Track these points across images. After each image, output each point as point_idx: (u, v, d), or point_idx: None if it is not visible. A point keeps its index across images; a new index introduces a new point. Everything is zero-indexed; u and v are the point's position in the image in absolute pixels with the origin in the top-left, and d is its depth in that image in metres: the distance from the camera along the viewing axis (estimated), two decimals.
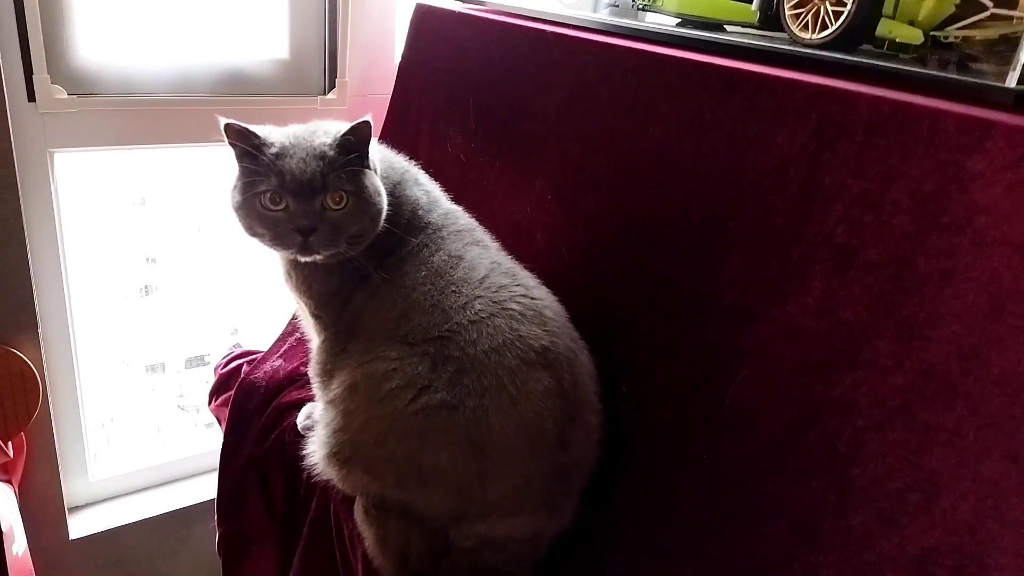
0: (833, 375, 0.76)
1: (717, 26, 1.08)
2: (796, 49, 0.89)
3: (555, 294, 0.97)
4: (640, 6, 1.13)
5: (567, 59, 1.08)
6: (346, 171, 0.86)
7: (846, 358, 0.74)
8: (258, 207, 0.86)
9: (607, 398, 0.95)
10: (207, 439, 1.78)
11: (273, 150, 0.86)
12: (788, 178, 0.80)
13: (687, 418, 0.88)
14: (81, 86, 1.28)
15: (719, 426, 0.84)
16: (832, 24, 0.87)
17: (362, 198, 0.87)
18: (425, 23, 1.40)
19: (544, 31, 1.12)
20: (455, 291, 0.88)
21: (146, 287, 1.75)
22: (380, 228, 0.90)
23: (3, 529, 1.17)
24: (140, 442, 1.78)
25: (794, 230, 0.79)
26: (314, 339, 1.04)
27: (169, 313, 1.78)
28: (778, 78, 0.82)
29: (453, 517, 0.87)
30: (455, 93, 1.31)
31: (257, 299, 1.82)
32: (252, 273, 1.78)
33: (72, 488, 1.54)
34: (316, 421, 1.08)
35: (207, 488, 1.65)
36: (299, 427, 1.15)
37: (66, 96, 1.26)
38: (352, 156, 0.87)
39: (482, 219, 1.05)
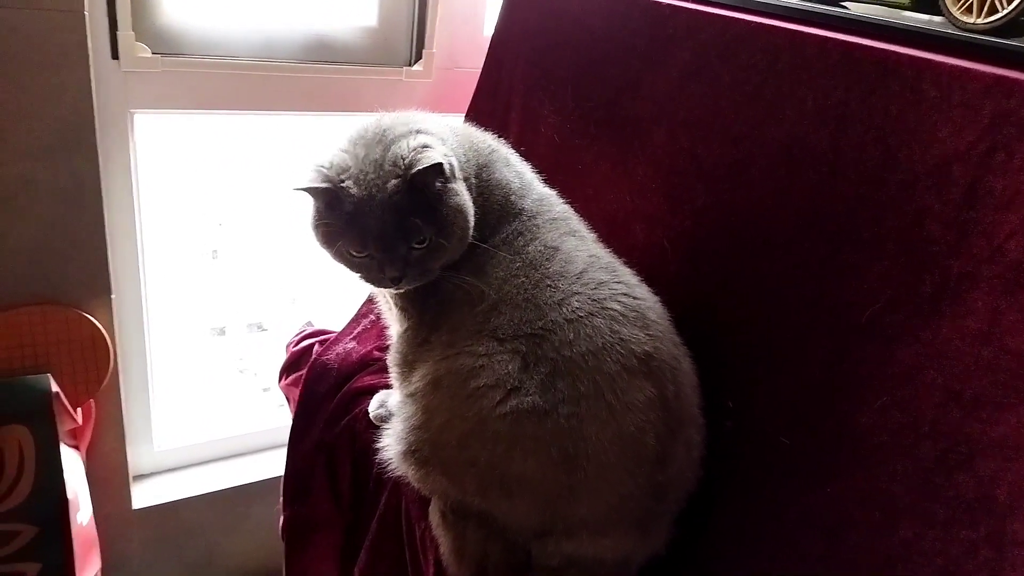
0: (994, 412, 0.65)
1: (836, 2, 0.97)
2: (957, 33, 0.77)
3: (654, 293, 0.88)
4: None
5: (684, 34, 0.98)
6: (424, 209, 0.79)
7: (1013, 393, 0.64)
8: (344, 253, 0.83)
9: (709, 411, 0.86)
10: (273, 414, 1.75)
11: (348, 207, 0.79)
12: (951, 181, 0.69)
13: (807, 443, 0.79)
14: (166, 45, 1.24)
15: (847, 456, 0.75)
16: (1003, 7, 0.75)
17: (446, 228, 0.81)
18: None
19: (659, 2, 1.02)
20: (551, 285, 0.80)
21: (214, 251, 1.75)
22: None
23: (68, 497, 1.15)
24: (203, 409, 1.77)
25: (955, 241, 0.68)
26: (394, 327, 0.98)
27: (233, 278, 1.77)
28: (944, 65, 0.71)
29: (537, 532, 0.80)
30: (552, 69, 1.22)
31: (317, 270, 1.78)
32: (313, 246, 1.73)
33: (137, 457, 1.52)
34: (390, 411, 1.02)
35: (271, 465, 1.63)
36: (371, 415, 1.09)
37: (150, 55, 1.21)
38: (428, 186, 0.80)
39: (574, 206, 0.97)
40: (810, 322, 0.80)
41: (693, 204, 0.97)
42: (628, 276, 0.86)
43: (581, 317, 0.77)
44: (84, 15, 1.07)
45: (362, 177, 0.79)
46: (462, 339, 0.81)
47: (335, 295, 1.70)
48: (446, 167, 0.80)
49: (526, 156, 1.01)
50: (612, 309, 0.77)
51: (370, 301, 1.32)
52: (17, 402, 1.14)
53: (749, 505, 0.84)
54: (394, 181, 0.78)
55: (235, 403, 1.82)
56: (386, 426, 0.93)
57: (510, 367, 0.76)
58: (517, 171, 0.95)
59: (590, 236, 0.92)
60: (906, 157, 0.72)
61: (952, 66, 0.70)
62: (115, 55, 1.19)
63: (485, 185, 0.89)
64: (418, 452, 0.81)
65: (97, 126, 1.15)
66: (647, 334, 0.77)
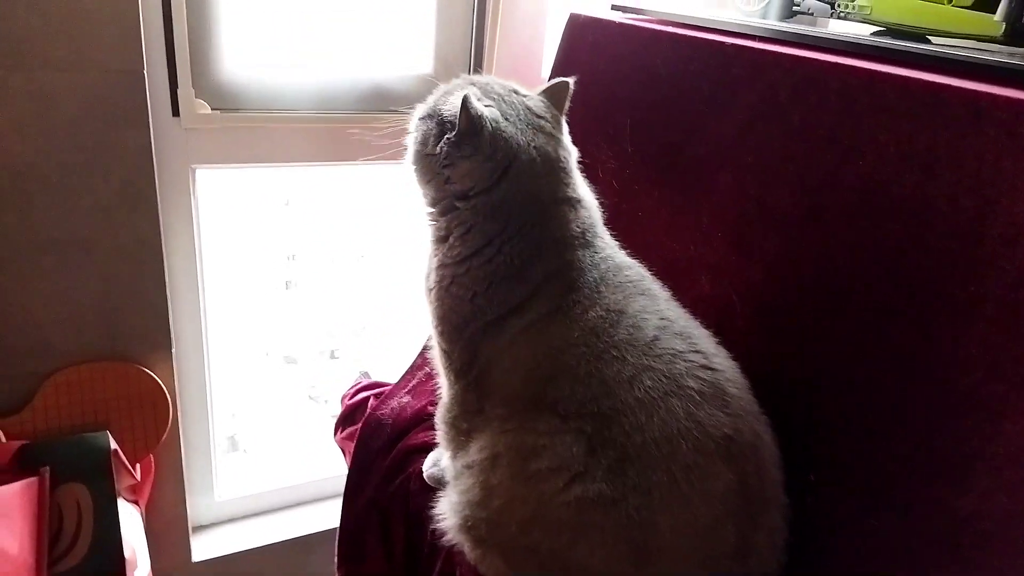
0: None
1: (919, 37, 0.90)
2: None
3: (729, 345, 0.82)
4: (842, 13, 0.95)
5: (750, 75, 0.93)
6: None
7: None
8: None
9: (789, 486, 0.79)
10: (333, 461, 1.73)
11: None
12: None
13: (899, 527, 0.71)
14: (224, 101, 1.25)
15: (946, 546, 0.66)
16: None
17: None
18: (579, 35, 1.28)
19: (723, 43, 0.97)
20: (617, 357, 0.74)
21: (287, 282, 1.79)
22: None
23: (126, 555, 1.14)
24: (269, 450, 1.78)
25: None
26: (444, 387, 0.94)
27: (304, 308, 1.81)
28: None
29: None
30: (611, 113, 1.18)
31: (386, 299, 1.81)
32: (382, 273, 1.78)
33: (197, 508, 1.52)
34: (444, 471, 0.98)
35: (330, 516, 1.60)
36: (425, 476, 1.05)
37: (209, 111, 1.23)
38: None
39: (634, 255, 0.91)
40: (900, 390, 0.72)
41: (763, 254, 0.90)
42: (705, 341, 0.79)
43: (655, 398, 0.70)
44: (144, 75, 1.09)
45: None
46: (519, 412, 0.76)
47: (402, 324, 1.71)
48: None
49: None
50: (689, 387, 0.71)
51: (424, 352, 1.29)
52: (76, 461, 1.14)
53: None
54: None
55: (303, 438, 1.82)
56: (441, 493, 0.88)
57: (575, 449, 0.70)
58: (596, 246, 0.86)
59: (662, 294, 0.84)
60: (1006, 209, 0.65)
61: None
62: (176, 112, 1.20)
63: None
64: (475, 529, 0.77)
65: (158, 183, 1.17)
66: (726, 413, 0.71)
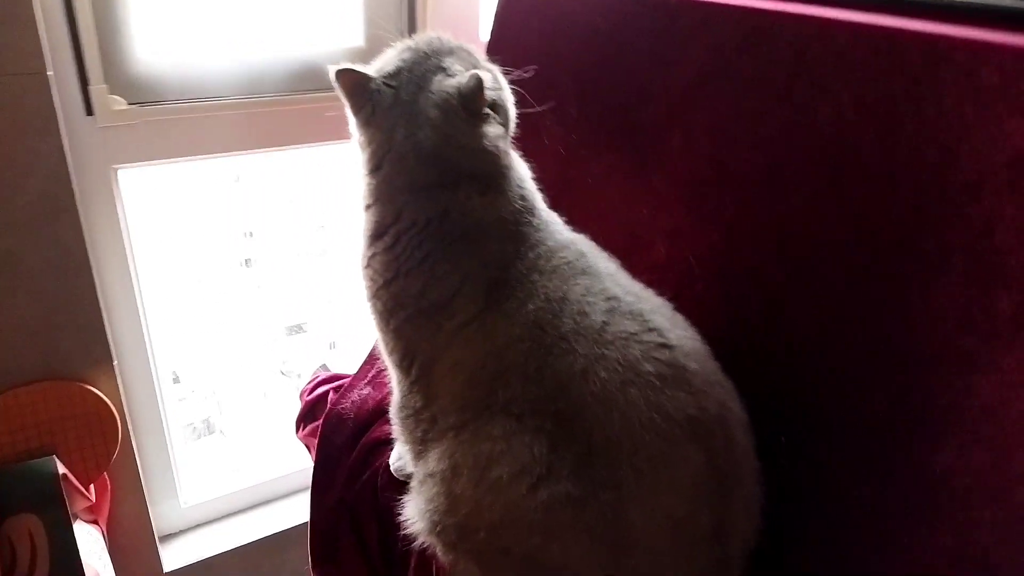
0: None
1: None
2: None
3: (688, 311, 0.78)
4: None
5: (697, 29, 0.89)
6: None
7: None
8: None
9: (760, 446, 0.77)
10: (296, 459, 1.69)
11: None
12: None
13: (876, 486, 0.69)
14: (142, 94, 1.17)
15: (925, 504, 0.65)
16: None
17: None
18: None
19: None
20: (567, 349, 0.70)
21: (246, 260, 1.75)
22: None
23: None
24: (246, 432, 1.75)
25: None
26: (393, 381, 0.90)
27: (268, 285, 1.77)
28: (1006, 47, 0.61)
29: None
30: (553, 77, 1.13)
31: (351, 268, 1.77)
32: (345, 242, 1.74)
33: (163, 516, 1.47)
34: (409, 464, 0.95)
35: (303, 510, 1.56)
36: (392, 470, 1.02)
37: (126, 107, 1.14)
38: None
39: (584, 224, 0.87)
40: (871, 348, 0.71)
41: (721, 216, 0.87)
42: (658, 316, 0.74)
43: (612, 390, 0.67)
44: (48, 75, 1.00)
45: None
46: (471, 419, 0.73)
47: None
48: None
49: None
50: (646, 372, 0.67)
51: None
52: (23, 490, 1.08)
53: (822, 560, 0.74)
54: None
55: (278, 415, 1.78)
56: (408, 493, 0.85)
57: (535, 450, 0.67)
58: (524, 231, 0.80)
59: (606, 270, 0.78)
60: (969, 156, 0.62)
61: (1017, 47, 0.60)
62: (89, 111, 1.12)
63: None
64: (444, 535, 0.74)
65: (78, 189, 1.09)
66: (688, 392, 0.68)
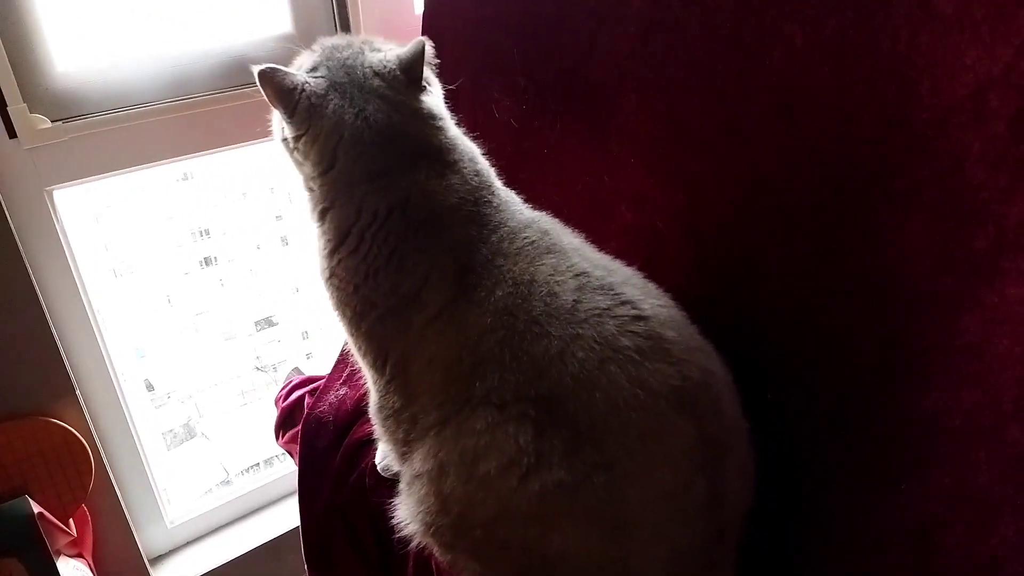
0: None
1: None
2: None
3: (655, 282, 0.76)
4: None
5: None
6: None
7: None
8: None
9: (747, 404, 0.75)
10: (283, 463, 1.66)
11: None
12: (989, 112, 0.57)
13: (869, 435, 0.68)
14: (66, 110, 1.10)
15: (920, 447, 0.64)
16: None
17: None
18: None
19: None
20: (540, 333, 0.68)
21: (206, 259, 1.69)
22: None
23: None
24: (228, 432, 1.72)
25: (1007, 184, 0.57)
26: (368, 381, 0.87)
27: (231, 280, 1.73)
28: None
29: None
30: (496, 45, 1.09)
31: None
32: (304, 229, 1.70)
33: (150, 538, 1.43)
34: (394, 463, 0.93)
35: (291, 515, 1.54)
36: (379, 469, 0.99)
37: (50, 125, 1.08)
38: None
39: (545, 196, 0.84)
40: (848, 294, 0.69)
41: (683, 175, 0.85)
42: (629, 287, 0.72)
43: (592, 371, 0.65)
44: None
45: None
46: (452, 414, 0.70)
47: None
48: None
49: (480, 148, 0.87)
50: (624, 347, 0.65)
51: None
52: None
53: (822, 516, 0.73)
54: None
55: (259, 411, 1.76)
56: (398, 495, 0.83)
57: (520, 440, 0.65)
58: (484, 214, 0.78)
59: (571, 245, 0.76)
60: (929, 90, 0.60)
61: None
62: (12, 134, 1.05)
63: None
64: (439, 535, 0.72)
65: (10, 216, 1.03)
66: (669, 362, 0.66)
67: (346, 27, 1.31)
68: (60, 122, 1.09)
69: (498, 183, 0.82)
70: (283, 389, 1.27)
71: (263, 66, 0.76)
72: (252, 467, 1.73)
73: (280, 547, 1.51)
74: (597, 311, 0.68)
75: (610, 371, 0.65)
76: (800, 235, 0.73)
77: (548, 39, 0.99)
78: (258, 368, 1.85)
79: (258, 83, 0.76)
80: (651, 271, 0.77)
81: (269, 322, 1.82)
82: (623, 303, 0.70)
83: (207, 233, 1.68)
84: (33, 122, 1.06)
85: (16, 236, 1.04)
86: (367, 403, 1.11)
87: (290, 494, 1.60)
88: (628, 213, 0.92)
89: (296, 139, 0.79)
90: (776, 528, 0.74)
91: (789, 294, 0.75)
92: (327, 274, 0.80)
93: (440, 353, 0.73)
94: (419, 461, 0.74)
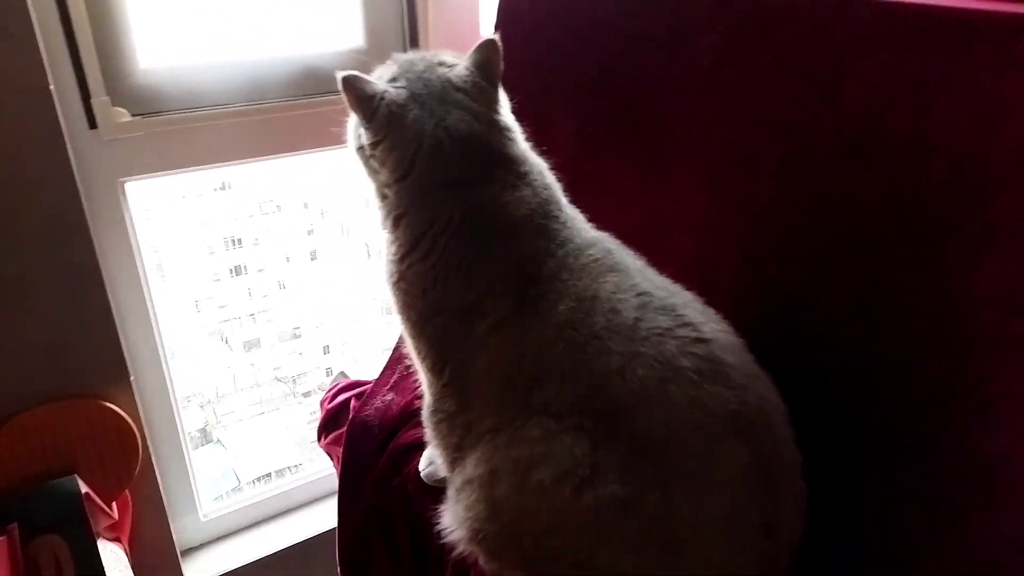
0: None
1: None
2: None
3: (717, 304, 0.76)
4: None
5: (710, 15, 0.87)
6: None
7: None
8: None
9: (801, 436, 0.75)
10: (317, 462, 1.68)
11: None
12: None
13: (926, 474, 0.68)
14: (145, 105, 1.15)
15: (977, 490, 0.64)
16: None
17: None
18: None
19: None
20: (601, 347, 0.69)
21: (235, 267, 1.74)
22: None
23: None
24: (244, 440, 1.74)
25: None
26: (424, 385, 0.88)
27: (260, 292, 1.77)
28: None
29: None
30: (562, 69, 1.11)
31: (345, 279, 1.78)
32: (334, 247, 1.75)
33: (183, 530, 1.45)
34: (440, 468, 0.93)
35: (325, 518, 1.55)
36: (423, 476, 1.00)
37: (130, 118, 1.12)
38: None
39: (601, 218, 0.85)
40: (910, 333, 0.69)
41: (746, 204, 0.86)
42: (691, 309, 0.73)
43: (651, 388, 0.66)
44: (51, 90, 0.98)
45: None
46: (508, 421, 0.71)
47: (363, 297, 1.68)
48: None
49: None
50: (684, 368, 0.66)
51: (403, 343, 1.23)
52: (46, 511, 1.06)
53: (877, 552, 0.73)
54: None
55: (277, 422, 1.78)
56: (443, 499, 0.84)
57: (576, 451, 0.65)
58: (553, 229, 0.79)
59: (634, 266, 0.77)
60: (1011, 131, 0.61)
61: None
62: (93, 125, 1.10)
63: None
64: (487, 542, 0.72)
65: (86, 204, 1.07)
66: (728, 387, 0.66)
67: (415, 44, 1.34)
68: (139, 116, 1.13)
69: (564, 200, 0.84)
70: (329, 391, 1.29)
71: (347, 72, 0.78)
72: (263, 477, 1.74)
73: (310, 549, 1.52)
74: (659, 330, 0.69)
75: (669, 390, 0.66)
76: (864, 271, 0.73)
77: (617, 67, 1.01)
78: (278, 379, 1.87)
79: (340, 88, 0.79)
80: (707, 299, 0.78)
81: (293, 334, 1.85)
82: (684, 324, 0.70)
83: (239, 243, 1.72)
84: (114, 115, 1.11)
85: (91, 224, 1.08)
86: (414, 409, 1.13)
87: (325, 496, 1.61)
88: (686, 240, 0.93)
89: (373, 146, 0.81)
90: (829, 562, 0.74)
91: (848, 330, 0.75)
92: (395, 278, 0.82)
93: (499, 361, 0.74)
94: (471, 467, 0.75)
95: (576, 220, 0.82)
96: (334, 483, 1.60)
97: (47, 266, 1.06)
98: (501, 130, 0.81)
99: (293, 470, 1.72)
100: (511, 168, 0.80)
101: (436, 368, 0.81)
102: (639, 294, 0.72)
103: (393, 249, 0.82)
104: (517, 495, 0.69)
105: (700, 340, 0.69)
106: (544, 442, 0.68)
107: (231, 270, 1.73)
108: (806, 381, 0.78)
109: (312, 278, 1.80)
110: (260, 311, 1.79)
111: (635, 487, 0.64)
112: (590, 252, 0.77)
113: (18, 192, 1.01)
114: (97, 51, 1.07)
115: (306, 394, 1.88)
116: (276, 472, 1.71)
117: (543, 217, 0.78)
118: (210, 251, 1.70)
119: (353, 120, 0.85)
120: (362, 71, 0.88)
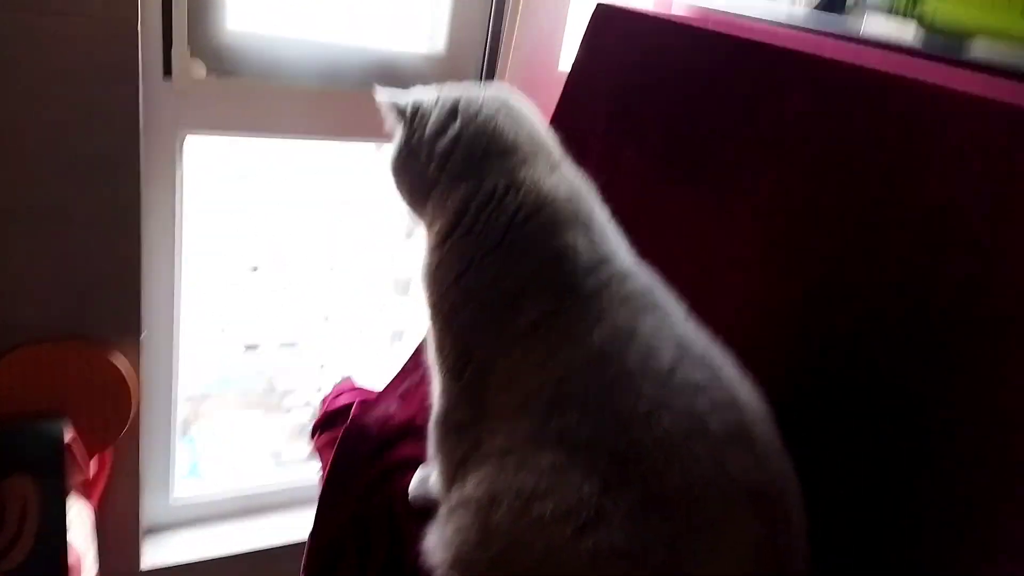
0: None
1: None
2: None
3: (756, 367, 0.71)
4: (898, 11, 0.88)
5: (802, 78, 0.85)
6: None
7: None
8: None
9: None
10: (296, 471, 1.62)
11: None
12: None
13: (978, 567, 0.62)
14: (222, 64, 1.15)
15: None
16: None
17: None
18: (607, 25, 1.19)
19: (771, 43, 0.90)
20: (630, 388, 0.65)
21: (255, 266, 1.71)
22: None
23: (71, 561, 1.01)
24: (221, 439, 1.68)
25: None
26: (437, 392, 0.84)
27: (270, 294, 1.72)
28: None
29: None
30: (636, 107, 1.10)
31: (355, 289, 1.74)
32: (356, 262, 1.72)
33: (150, 508, 1.39)
34: (431, 493, 0.88)
35: (295, 529, 1.48)
36: (411, 496, 0.94)
37: (205, 74, 1.12)
38: None
39: (654, 253, 0.82)
40: (974, 438, 0.64)
41: (806, 270, 0.82)
42: (727, 369, 0.69)
43: (676, 441, 0.62)
44: (137, 27, 0.98)
45: None
46: (519, 444, 0.67)
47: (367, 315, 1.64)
48: None
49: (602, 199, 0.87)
50: (713, 428, 0.62)
51: (417, 355, 1.19)
52: (26, 451, 1.02)
53: None
54: None
55: (259, 430, 1.71)
56: (431, 522, 0.78)
57: (585, 489, 0.61)
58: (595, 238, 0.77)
59: (675, 310, 0.74)
60: None
61: None
62: (167, 72, 1.09)
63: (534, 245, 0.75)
64: (470, 569, 0.67)
65: (142, 148, 1.06)
66: (754, 457, 0.63)
67: (493, 63, 1.35)
68: (215, 74, 1.13)
69: (604, 210, 0.82)
70: (332, 392, 1.25)
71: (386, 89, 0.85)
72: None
73: (272, 558, 1.46)
74: (693, 384, 0.65)
75: (694, 447, 0.62)
76: (927, 357, 0.69)
77: (693, 112, 1.00)
78: (269, 388, 1.83)
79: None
80: (748, 355, 0.74)
81: (291, 345, 1.82)
82: (719, 386, 0.67)
83: (259, 243, 1.70)
84: (191, 66, 1.10)
85: (141, 170, 1.06)
86: (415, 425, 1.08)
87: (297, 505, 1.55)
88: (742, 291, 0.89)
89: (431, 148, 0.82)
90: None
91: (903, 417, 0.70)
92: (434, 265, 0.80)
93: (522, 375, 0.71)
94: (471, 486, 0.70)
95: (620, 243, 0.79)
96: (311, 493, 1.55)
97: (89, 202, 1.04)
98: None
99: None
100: (549, 157, 0.81)
101: (456, 368, 0.77)
102: (678, 343, 0.69)
103: (435, 230, 0.81)
104: (513, 525, 0.64)
105: (733, 404, 0.66)
106: (553, 474, 0.64)
107: (249, 268, 1.71)
108: (842, 469, 0.73)
109: (323, 292, 1.77)
110: (265, 315, 1.76)
111: (640, 540, 0.59)
112: (633, 283, 0.74)
113: (79, 120, 1.00)
114: (190, 3, 1.08)
115: (288, 411, 1.84)
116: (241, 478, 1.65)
117: (587, 216, 0.77)
118: (229, 246, 1.67)
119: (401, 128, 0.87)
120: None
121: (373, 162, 1.56)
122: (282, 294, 1.73)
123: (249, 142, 1.41)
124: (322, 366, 1.85)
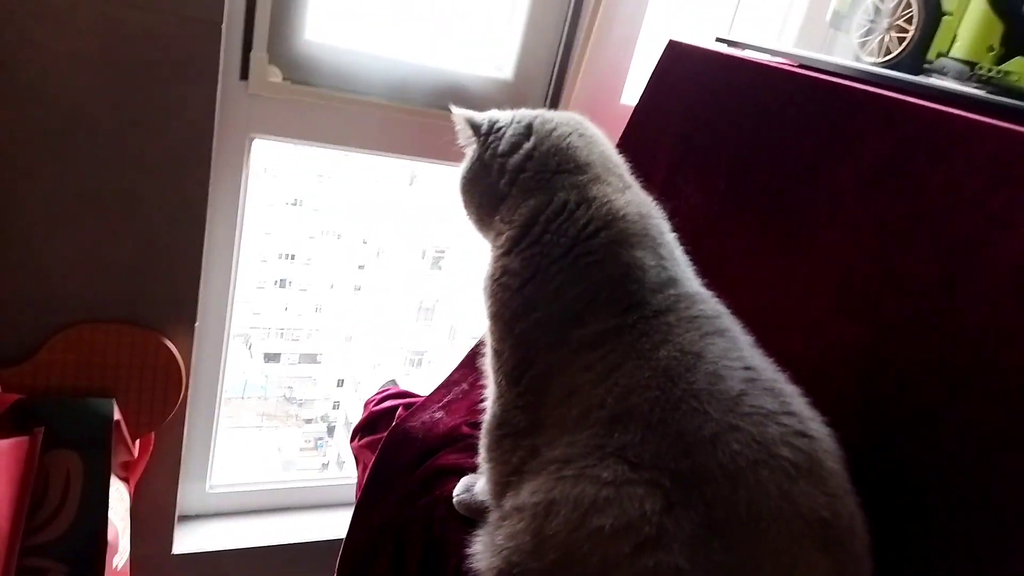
0: None
1: None
2: None
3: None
4: (983, 76, 0.88)
5: (880, 126, 0.86)
6: None
7: None
8: None
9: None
10: (333, 470, 1.63)
11: None
12: None
13: None
14: (297, 72, 1.18)
15: None
16: None
17: None
18: (676, 63, 1.21)
19: (850, 88, 0.90)
20: (697, 409, 0.64)
21: (281, 280, 1.75)
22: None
23: (108, 538, 1.03)
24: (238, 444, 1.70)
25: None
26: (491, 399, 0.85)
27: (298, 307, 1.76)
28: None
29: None
30: (703, 146, 1.11)
31: (376, 313, 1.75)
32: (377, 287, 1.73)
33: (185, 495, 1.41)
34: (477, 500, 0.89)
35: (328, 527, 1.49)
36: (455, 502, 0.95)
37: (280, 80, 1.15)
38: None
39: (713, 289, 0.82)
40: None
41: (876, 316, 0.82)
42: (797, 400, 0.68)
43: (742, 466, 0.61)
44: (222, 28, 1.01)
45: None
46: (579, 456, 0.67)
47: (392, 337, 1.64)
48: None
49: None
50: (782, 457, 0.61)
51: (463, 367, 1.20)
52: (74, 426, 1.04)
53: None
54: None
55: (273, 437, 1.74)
56: (477, 530, 0.79)
57: (646, 506, 0.61)
58: (664, 258, 0.78)
59: (743, 338, 0.74)
60: None
61: None
62: (244, 75, 1.13)
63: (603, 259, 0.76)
64: None
65: (214, 147, 1.09)
66: (824, 492, 0.62)
67: (558, 94, 1.36)
68: (289, 81, 1.16)
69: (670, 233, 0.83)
70: (376, 394, 1.26)
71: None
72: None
73: (304, 554, 1.47)
74: (763, 411, 0.65)
75: (761, 475, 0.61)
76: (996, 410, 0.68)
77: (763, 155, 1.00)
78: (287, 398, 1.85)
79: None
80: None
81: (312, 359, 1.84)
82: (790, 413, 0.66)
83: (291, 257, 1.73)
84: (267, 71, 1.13)
85: (212, 166, 1.09)
86: (460, 433, 1.09)
87: (332, 505, 1.56)
88: (800, 339, 0.89)
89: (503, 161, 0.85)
90: None
91: (966, 470, 0.70)
92: (497, 274, 0.81)
93: (584, 385, 0.71)
94: (527, 493, 0.70)
95: (688, 266, 0.81)
96: (343, 494, 1.56)
97: (160, 190, 1.07)
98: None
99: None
100: (621, 176, 0.84)
101: (515, 373, 0.77)
102: (746, 368, 0.68)
103: (501, 240, 0.82)
104: (570, 535, 0.64)
105: (804, 435, 0.65)
106: (614, 487, 0.63)
107: (276, 281, 1.73)
108: (904, 516, 0.73)
109: (349, 311, 1.79)
110: (291, 328, 1.79)
111: (702, 566, 0.59)
112: (701, 306, 0.74)
113: (159, 112, 1.03)
114: (272, 11, 1.11)
115: (308, 420, 1.85)
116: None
117: (657, 235, 0.79)
118: (263, 259, 1.71)
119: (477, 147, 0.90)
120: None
121: (417, 184, 1.58)
122: (307, 306, 1.76)
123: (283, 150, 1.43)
124: (340, 381, 1.88)
